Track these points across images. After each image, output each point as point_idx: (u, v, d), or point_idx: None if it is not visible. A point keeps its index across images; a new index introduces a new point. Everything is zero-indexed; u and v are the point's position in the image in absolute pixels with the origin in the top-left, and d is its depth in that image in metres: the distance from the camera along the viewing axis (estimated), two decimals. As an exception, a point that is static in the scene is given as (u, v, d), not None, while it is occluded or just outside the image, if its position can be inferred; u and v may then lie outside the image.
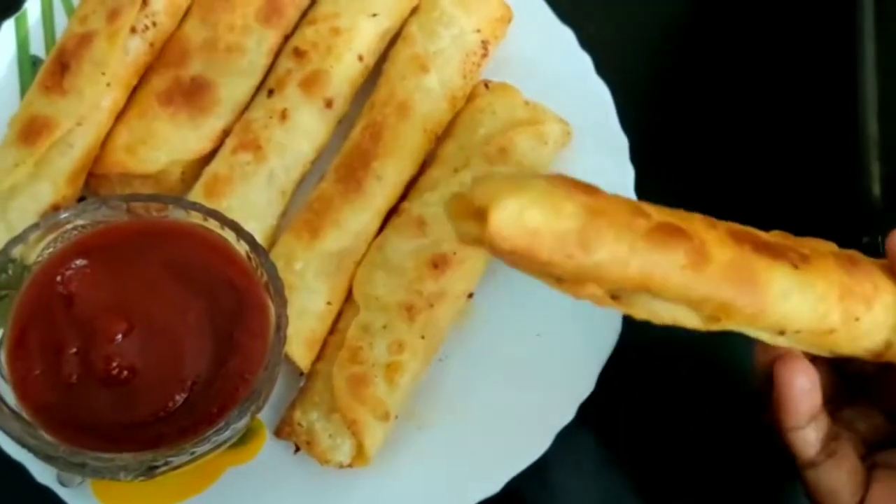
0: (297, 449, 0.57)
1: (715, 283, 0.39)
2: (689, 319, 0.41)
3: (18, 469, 0.55)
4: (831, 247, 0.45)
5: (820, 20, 0.75)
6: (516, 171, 0.58)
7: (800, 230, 0.71)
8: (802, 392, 0.43)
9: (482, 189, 0.37)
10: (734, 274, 0.39)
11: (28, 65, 0.63)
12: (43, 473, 0.55)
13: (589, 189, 0.39)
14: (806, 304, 0.41)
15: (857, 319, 0.42)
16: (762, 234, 0.43)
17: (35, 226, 0.51)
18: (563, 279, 0.39)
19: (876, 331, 0.44)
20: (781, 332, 0.42)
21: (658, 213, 0.39)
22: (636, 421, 0.62)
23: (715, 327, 0.41)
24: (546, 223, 0.36)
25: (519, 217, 0.35)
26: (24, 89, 0.63)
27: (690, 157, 0.70)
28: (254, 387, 0.50)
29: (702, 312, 0.41)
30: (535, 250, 0.36)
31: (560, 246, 0.36)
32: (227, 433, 0.48)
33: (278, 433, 0.57)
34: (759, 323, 0.41)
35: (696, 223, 0.40)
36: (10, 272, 0.51)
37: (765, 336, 0.42)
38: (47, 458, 0.47)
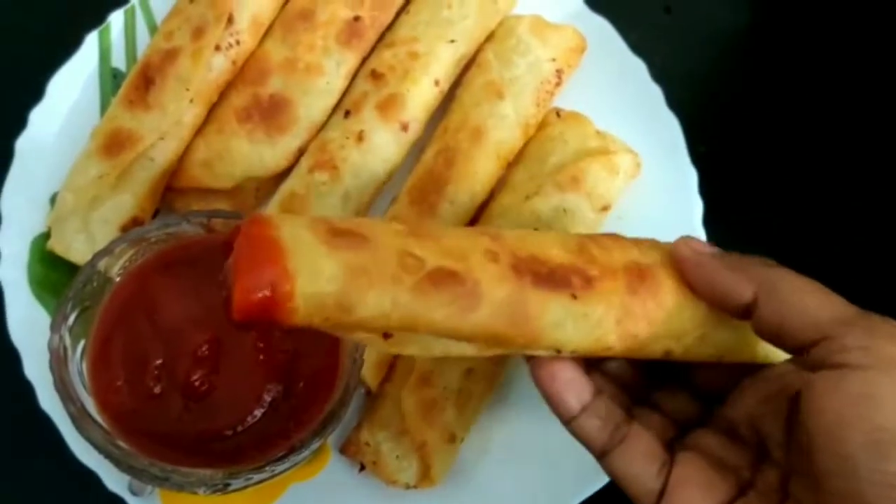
0: (362, 468, 0.57)
1: (484, 322, 0.39)
2: (463, 350, 0.41)
3: (86, 476, 0.56)
4: (632, 255, 0.44)
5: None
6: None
7: (872, 267, 0.70)
8: (564, 383, 0.42)
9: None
10: (506, 311, 0.39)
11: (109, 77, 0.64)
12: (115, 482, 0.55)
13: (353, 238, 0.38)
14: (580, 331, 0.41)
15: (635, 336, 0.42)
16: (553, 258, 0.41)
17: (121, 239, 0.52)
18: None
19: (655, 343, 0.43)
20: (558, 352, 0.42)
21: (434, 256, 0.39)
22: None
23: (489, 353, 0.41)
24: (302, 288, 0.36)
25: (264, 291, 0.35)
26: (104, 101, 0.64)
27: (760, 191, 0.71)
28: (331, 407, 0.50)
29: (475, 344, 0.40)
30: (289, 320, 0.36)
31: (318, 311, 0.36)
32: (305, 453, 0.49)
33: (344, 451, 0.58)
34: (533, 347, 0.41)
35: (475, 259, 0.39)
36: (94, 284, 0.52)
37: (542, 353, 0.42)
38: (130, 468, 0.48)
